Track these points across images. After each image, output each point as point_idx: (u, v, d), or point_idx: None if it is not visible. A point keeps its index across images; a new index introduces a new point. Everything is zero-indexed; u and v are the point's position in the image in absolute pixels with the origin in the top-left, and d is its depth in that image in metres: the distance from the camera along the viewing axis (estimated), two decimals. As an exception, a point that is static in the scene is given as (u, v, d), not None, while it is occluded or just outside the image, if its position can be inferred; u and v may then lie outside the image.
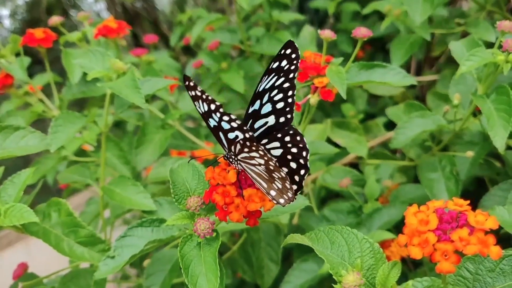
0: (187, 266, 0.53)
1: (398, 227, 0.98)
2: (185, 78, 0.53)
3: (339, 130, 1.16)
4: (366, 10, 1.33)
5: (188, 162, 0.62)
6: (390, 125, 1.19)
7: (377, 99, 1.60)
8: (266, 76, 0.57)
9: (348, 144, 1.09)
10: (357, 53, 0.78)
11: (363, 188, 1.02)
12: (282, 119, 0.57)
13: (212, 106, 0.52)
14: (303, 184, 0.55)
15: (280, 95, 0.57)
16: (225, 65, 1.36)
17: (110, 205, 0.87)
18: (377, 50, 1.71)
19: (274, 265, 0.94)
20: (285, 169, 0.56)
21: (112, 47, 1.15)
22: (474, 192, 1.19)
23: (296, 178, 0.56)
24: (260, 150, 0.52)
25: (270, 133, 0.57)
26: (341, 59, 0.81)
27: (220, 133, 0.55)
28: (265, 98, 0.57)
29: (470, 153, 0.86)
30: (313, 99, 0.77)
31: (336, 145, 1.12)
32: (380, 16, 1.55)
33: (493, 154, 0.98)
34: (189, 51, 2.05)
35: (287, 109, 0.57)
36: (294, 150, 0.55)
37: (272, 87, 0.57)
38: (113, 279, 1.23)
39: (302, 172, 0.55)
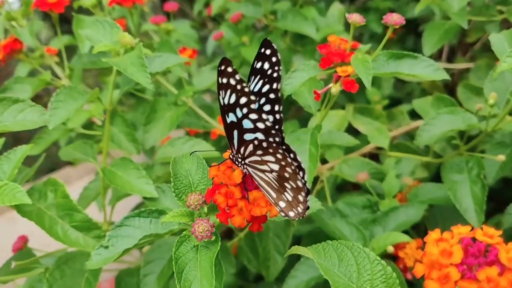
0: (180, 270, 0.49)
1: (415, 227, 0.93)
2: (223, 62, 0.45)
3: (361, 117, 1.10)
4: (400, -10, 1.24)
5: (190, 154, 0.57)
6: (416, 113, 1.12)
7: (404, 83, 1.53)
8: (253, 77, 0.50)
9: (369, 132, 1.04)
10: (387, 40, 0.71)
11: (381, 181, 0.97)
12: (271, 139, 0.48)
13: (243, 100, 0.44)
14: (305, 209, 0.48)
15: (268, 107, 0.50)
16: (247, 39, 1.30)
17: (112, 186, 0.83)
18: (409, 32, 1.62)
19: (280, 257, 0.90)
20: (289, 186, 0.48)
21: (133, 14, 1.10)
22: (500, 191, 1.12)
23: None
24: (278, 153, 0.46)
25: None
26: (368, 46, 0.74)
27: (235, 131, 0.48)
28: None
29: (501, 157, 0.79)
30: (335, 88, 0.71)
31: (357, 132, 1.06)
32: (414, -5, 1.47)
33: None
34: (220, 17, 1.97)
35: (276, 126, 0.49)
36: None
37: (260, 93, 0.50)
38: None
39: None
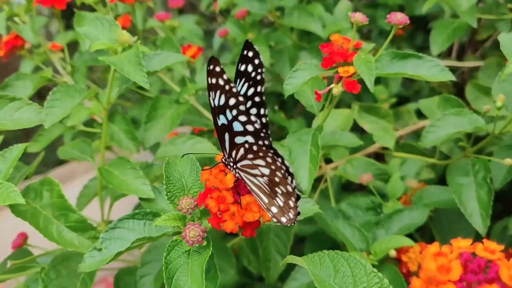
0: (171, 276, 0.48)
1: (420, 229, 0.91)
2: (211, 61, 0.43)
3: (367, 115, 1.08)
4: (409, -14, 1.21)
5: (182, 156, 0.55)
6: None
7: (412, 81, 1.50)
8: (238, 80, 0.48)
9: (375, 131, 1.02)
10: (391, 40, 0.69)
11: (386, 182, 0.95)
12: (260, 142, 0.47)
13: (232, 101, 0.44)
14: (296, 215, 0.47)
15: (254, 110, 0.48)
16: (252, 36, 1.28)
17: (109, 186, 0.82)
18: (418, 28, 1.59)
19: (281, 258, 0.89)
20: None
21: (137, 10, 1.09)
22: (508, 192, 1.09)
23: None
24: (268, 157, 0.45)
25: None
26: (371, 45, 0.72)
27: (226, 134, 0.47)
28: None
29: (509, 161, 0.76)
30: (336, 89, 0.69)
31: (362, 130, 1.05)
32: (424, -9, 1.43)
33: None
34: (228, 12, 1.95)
35: (263, 130, 0.47)
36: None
37: (246, 97, 0.48)
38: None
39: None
